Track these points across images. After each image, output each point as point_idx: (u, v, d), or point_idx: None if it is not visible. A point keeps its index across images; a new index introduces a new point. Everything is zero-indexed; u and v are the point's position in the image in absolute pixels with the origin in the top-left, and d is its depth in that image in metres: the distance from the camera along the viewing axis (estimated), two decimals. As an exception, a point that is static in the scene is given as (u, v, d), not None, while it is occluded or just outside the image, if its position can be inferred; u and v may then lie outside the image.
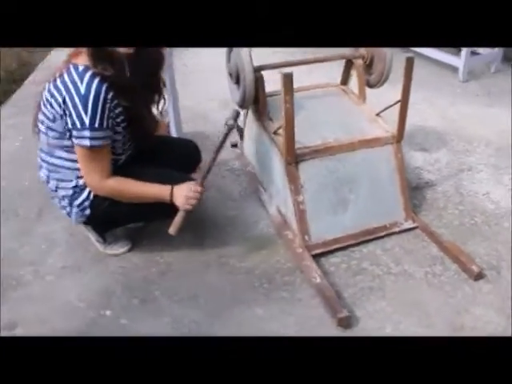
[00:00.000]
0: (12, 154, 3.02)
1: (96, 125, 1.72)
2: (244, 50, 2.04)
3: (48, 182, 1.98)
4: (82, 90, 1.70)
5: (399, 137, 2.11)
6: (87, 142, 1.74)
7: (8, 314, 1.90)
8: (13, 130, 3.33)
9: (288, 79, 1.75)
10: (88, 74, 1.72)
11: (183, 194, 1.85)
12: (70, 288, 2.01)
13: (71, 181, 1.91)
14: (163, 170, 2.00)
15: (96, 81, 1.71)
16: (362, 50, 2.32)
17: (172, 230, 1.89)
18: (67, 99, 1.72)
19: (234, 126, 2.06)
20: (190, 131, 2.92)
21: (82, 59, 1.74)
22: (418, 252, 2.08)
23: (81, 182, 1.90)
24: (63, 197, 1.95)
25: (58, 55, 4.84)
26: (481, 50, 3.84)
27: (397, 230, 2.15)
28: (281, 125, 2.00)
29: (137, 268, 2.09)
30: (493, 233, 2.16)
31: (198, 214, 2.18)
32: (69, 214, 2.01)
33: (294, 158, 1.97)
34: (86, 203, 1.93)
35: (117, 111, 1.80)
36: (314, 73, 3.08)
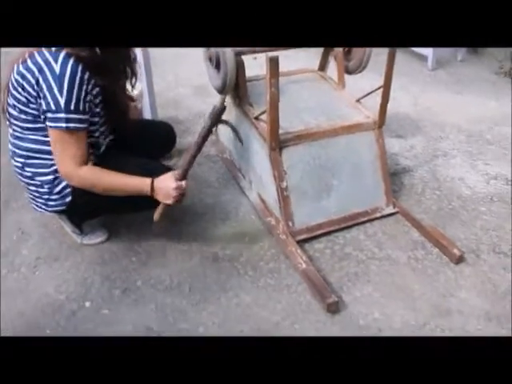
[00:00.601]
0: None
1: (72, 107, 1.64)
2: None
3: (23, 169, 1.87)
4: (57, 70, 1.62)
5: (381, 122, 2.12)
6: (63, 124, 1.65)
7: (-18, 307, 1.82)
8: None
9: (274, 63, 1.72)
10: (62, 54, 1.63)
11: (164, 187, 1.77)
12: (46, 280, 1.93)
13: (51, 166, 1.81)
14: (142, 160, 1.94)
15: (71, 61, 1.63)
16: (342, 36, 2.31)
17: (156, 216, 1.85)
18: (41, 80, 1.64)
19: (219, 118, 1.94)
20: (162, 116, 2.86)
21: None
22: (400, 237, 2.09)
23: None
24: (42, 184, 1.85)
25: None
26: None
27: (378, 215, 2.16)
28: (263, 110, 1.98)
29: (116, 258, 2.03)
30: (470, 217, 2.20)
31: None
32: (45, 203, 1.91)
33: (278, 144, 1.94)
34: (68, 190, 1.84)
35: (94, 92, 1.73)
36: (289, 58, 3.06)
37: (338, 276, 1.91)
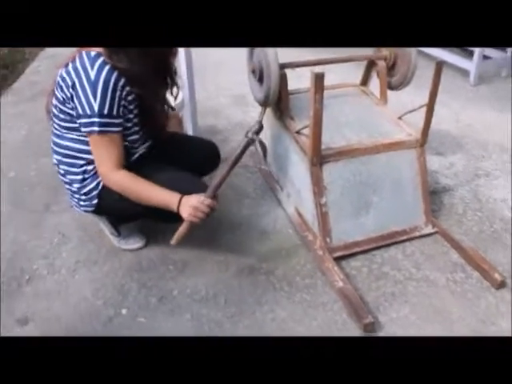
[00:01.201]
0: (18, 144, 2.97)
1: (105, 111, 1.68)
2: (269, 48, 2.00)
3: (58, 166, 1.94)
4: (92, 75, 1.67)
5: (423, 141, 2.08)
6: (96, 128, 1.70)
7: (20, 309, 1.86)
8: (17, 119, 3.28)
9: (319, 79, 1.72)
10: (99, 61, 1.68)
11: (191, 205, 1.73)
12: (84, 284, 1.97)
13: (81, 166, 1.87)
14: (177, 173, 1.92)
15: (107, 67, 1.67)
16: (385, 51, 2.29)
17: (174, 240, 1.84)
18: (77, 84, 1.69)
19: (255, 140, 1.91)
20: (201, 125, 2.88)
21: (95, 48, 1.71)
22: (438, 258, 2.06)
23: (90, 167, 1.86)
24: (72, 182, 1.91)
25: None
26: (492, 54, 3.84)
27: (417, 234, 2.13)
28: (305, 124, 1.97)
29: (153, 265, 2.05)
30: (513, 241, 2.15)
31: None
32: (77, 203, 1.97)
33: (319, 160, 1.93)
34: (95, 192, 1.88)
35: (129, 98, 1.76)
36: (331, 72, 3.05)
37: (374, 296, 1.89)
